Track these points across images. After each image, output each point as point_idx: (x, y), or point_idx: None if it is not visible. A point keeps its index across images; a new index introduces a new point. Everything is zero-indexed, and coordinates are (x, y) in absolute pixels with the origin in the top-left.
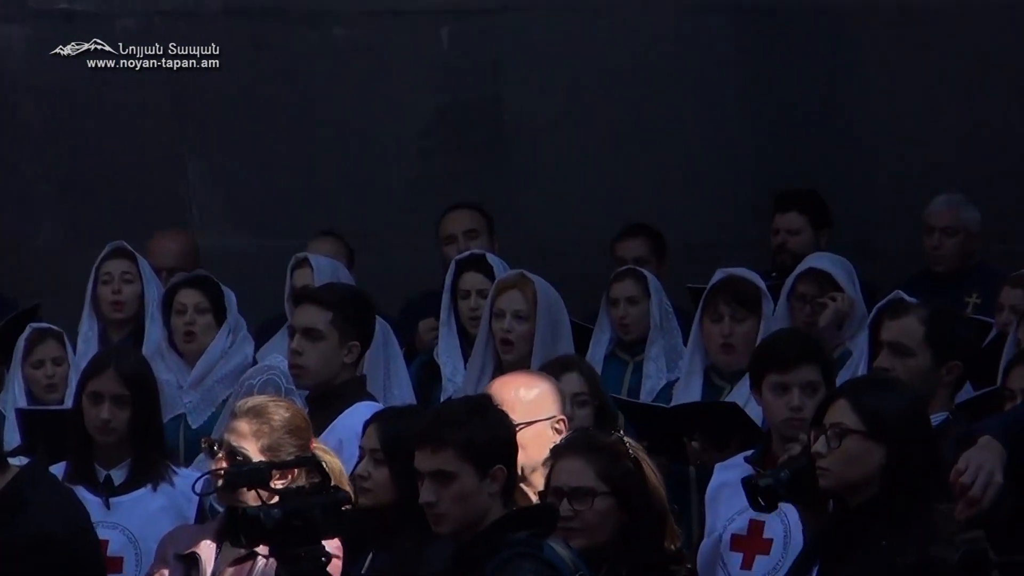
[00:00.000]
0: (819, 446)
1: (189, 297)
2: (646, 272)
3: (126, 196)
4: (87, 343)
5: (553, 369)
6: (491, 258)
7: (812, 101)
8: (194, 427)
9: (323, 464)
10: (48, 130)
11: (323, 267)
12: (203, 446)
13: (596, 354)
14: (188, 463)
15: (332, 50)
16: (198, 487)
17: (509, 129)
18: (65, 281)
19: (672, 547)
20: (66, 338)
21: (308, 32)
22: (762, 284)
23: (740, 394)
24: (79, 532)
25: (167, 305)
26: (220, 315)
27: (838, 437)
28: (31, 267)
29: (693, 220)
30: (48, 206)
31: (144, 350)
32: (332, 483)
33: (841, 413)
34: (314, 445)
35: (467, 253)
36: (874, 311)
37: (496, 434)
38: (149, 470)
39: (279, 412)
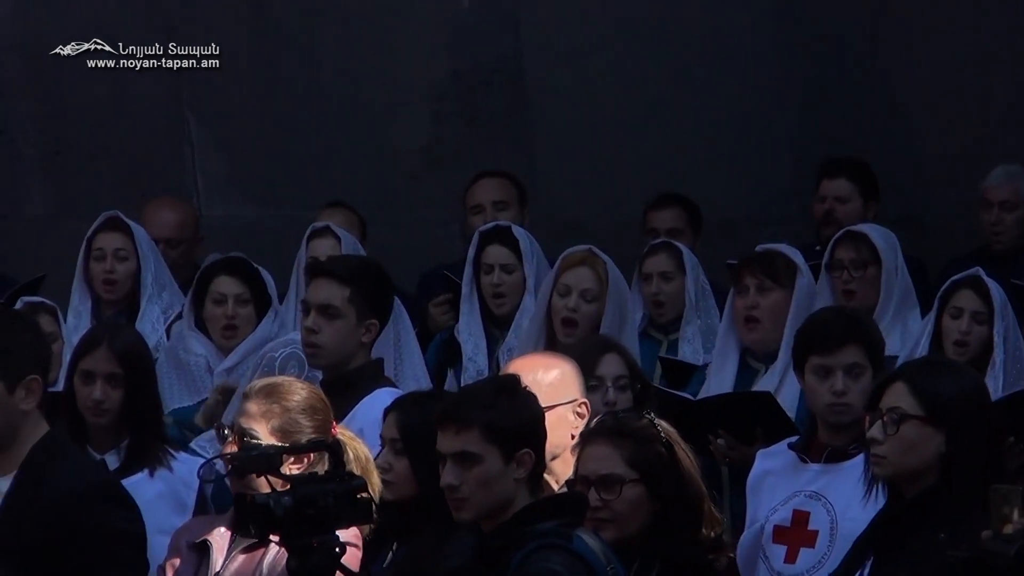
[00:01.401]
0: (875, 432)
1: (228, 287)
2: (681, 246)
3: (124, 163)
4: (78, 318)
5: (592, 350)
6: (517, 230)
7: (853, 65)
8: None
9: (342, 448)
10: (37, 89)
11: (347, 238)
12: (215, 430)
13: None
14: None
15: (340, 7)
16: (202, 472)
17: (530, 93)
18: (56, 253)
19: (711, 534)
20: (60, 314)
21: None
22: (798, 258)
23: (771, 376)
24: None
25: (201, 288)
26: (259, 303)
27: (895, 423)
28: (20, 238)
29: (729, 193)
30: (38, 172)
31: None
32: (347, 469)
33: (898, 397)
34: (338, 430)
35: (491, 224)
36: (948, 283)
37: (524, 417)
38: (145, 454)
39: (293, 391)
